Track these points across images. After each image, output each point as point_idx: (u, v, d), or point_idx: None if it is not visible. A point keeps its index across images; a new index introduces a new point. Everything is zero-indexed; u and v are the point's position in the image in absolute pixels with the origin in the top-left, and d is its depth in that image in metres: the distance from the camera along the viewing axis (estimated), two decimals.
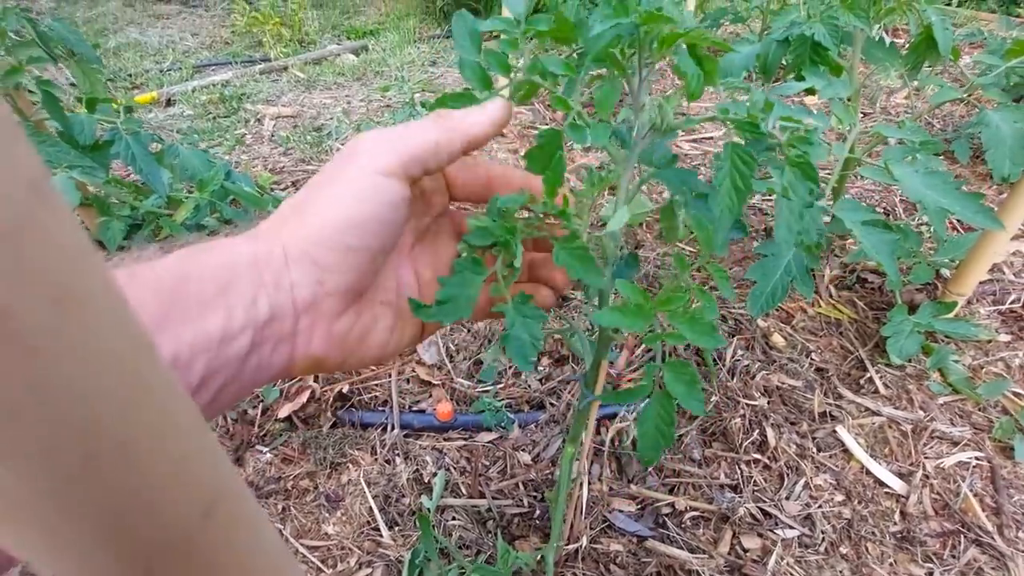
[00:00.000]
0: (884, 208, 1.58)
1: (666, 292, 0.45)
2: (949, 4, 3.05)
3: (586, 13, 0.46)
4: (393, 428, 1.02)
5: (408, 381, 1.11)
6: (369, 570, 0.84)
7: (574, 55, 0.46)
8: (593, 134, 0.45)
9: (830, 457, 0.95)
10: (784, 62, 1.30)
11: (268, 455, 0.99)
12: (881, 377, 1.08)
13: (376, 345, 0.33)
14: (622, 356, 1.14)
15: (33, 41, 1.14)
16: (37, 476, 0.12)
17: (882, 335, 1.11)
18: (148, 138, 1.17)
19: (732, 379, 1.06)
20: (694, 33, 0.38)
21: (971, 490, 0.88)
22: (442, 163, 0.33)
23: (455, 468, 0.97)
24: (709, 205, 0.46)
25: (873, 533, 0.83)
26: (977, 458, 0.93)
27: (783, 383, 1.06)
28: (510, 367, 1.14)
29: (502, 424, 1.03)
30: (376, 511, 0.91)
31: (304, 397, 1.06)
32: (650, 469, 0.97)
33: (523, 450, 1.00)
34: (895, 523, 0.85)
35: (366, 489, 0.93)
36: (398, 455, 0.98)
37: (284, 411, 1.04)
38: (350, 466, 0.98)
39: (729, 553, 0.83)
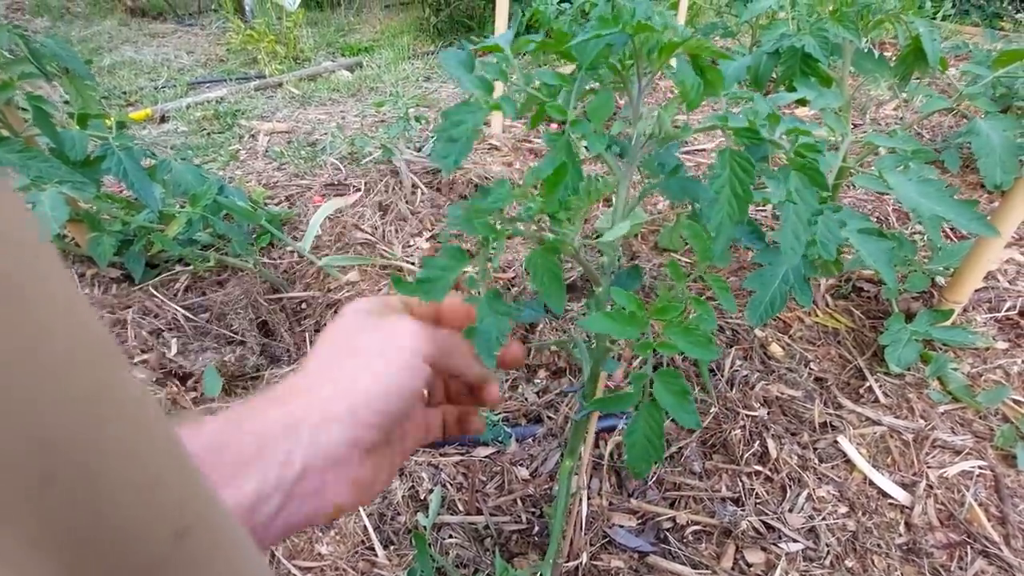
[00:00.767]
0: (877, 217, 1.59)
1: (662, 301, 0.44)
2: (934, 18, 3.10)
3: (579, 28, 0.46)
4: None
5: None
6: None
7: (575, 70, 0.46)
8: (590, 142, 0.45)
9: (832, 468, 0.93)
10: (774, 74, 1.32)
11: None
12: (880, 386, 1.07)
13: (386, 480, 0.37)
14: (620, 368, 1.13)
15: (26, 58, 1.13)
16: None
17: (880, 344, 1.11)
18: (141, 153, 1.16)
19: (731, 390, 1.05)
20: (695, 42, 0.38)
21: (975, 500, 0.87)
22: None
23: (451, 484, 0.95)
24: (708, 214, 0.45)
25: (878, 545, 0.82)
26: (980, 467, 0.92)
27: (783, 393, 1.05)
28: (507, 381, 1.13)
29: (499, 438, 1.01)
30: (371, 530, 0.88)
31: None
32: (650, 482, 0.95)
33: (521, 465, 0.98)
34: (900, 535, 0.84)
35: (360, 508, 0.91)
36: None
37: None
38: None
39: (732, 568, 0.82)
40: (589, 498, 0.92)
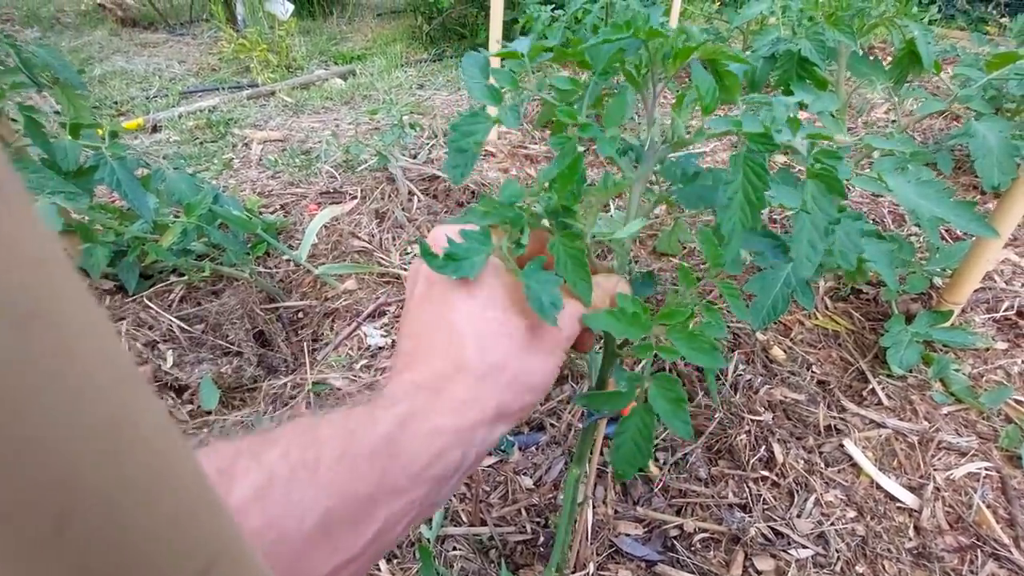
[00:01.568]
0: (873, 219, 1.59)
1: (669, 306, 0.43)
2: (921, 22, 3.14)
3: (589, 34, 0.46)
4: None
5: None
6: None
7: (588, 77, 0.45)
8: (600, 146, 0.44)
9: (839, 472, 0.93)
10: (770, 78, 1.32)
11: None
12: (883, 388, 1.07)
13: None
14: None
15: (16, 67, 1.12)
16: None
17: (881, 346, 1.11)
18: (134, 163, 1.14)
19: (735, 394, 1.04)
20: (711, 48, 0.38)
21: (983, 502, 0.86)
22: None
23: (454, 495, 0.93)
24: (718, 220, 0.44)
25: (889, 550, 0.81)
26: (986, 468, 0.92)
27: (786, 397, 1.05)
28: None
29: (502, 447, 1.00)
30: None
31: None
32: (656, 490, 0.94)
33: (524, 474, 0.97)
34: (910, 539, 0.83)
35: None
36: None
37: None
38: None
39: (742, 575, 0.81)
40: (594, 506, 0.91)
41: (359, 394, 1.12)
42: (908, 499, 0.88)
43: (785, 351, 1.16)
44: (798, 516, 0.87)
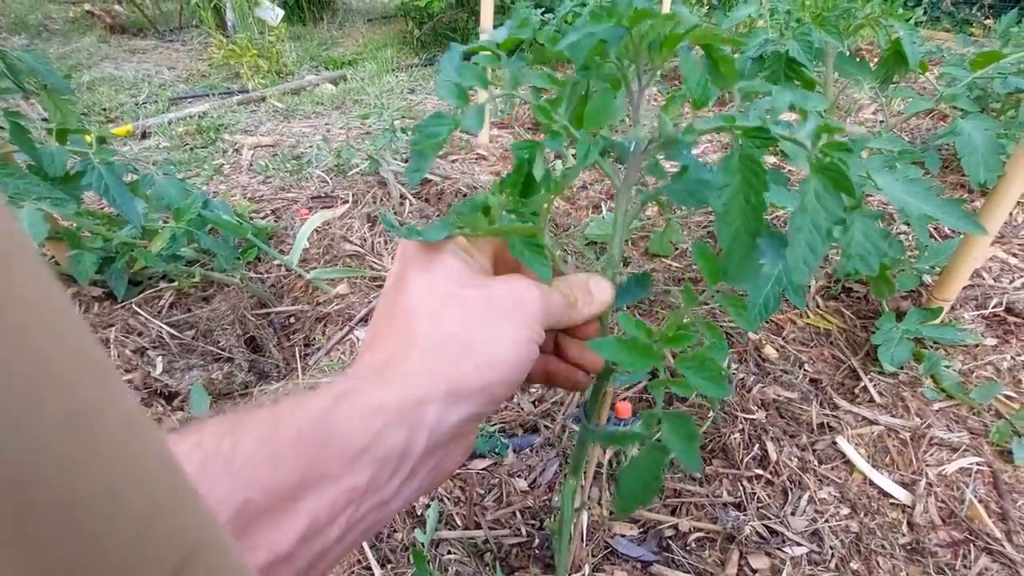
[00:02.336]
0: None
1: (672, 329, 0.42)
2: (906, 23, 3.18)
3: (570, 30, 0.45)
4: None
5: None
6: None
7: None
8: (579, 150, 0.42)
9: (832, 469, 0.93)
10: (759, 79, 1.33)
11: None
12: (875, 385, 1.08)
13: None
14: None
15: (2, 73, 1.11)
16: None
17: (872, 343, 1.11)
18: (122, 168, 1.14)
19: (729, 394, 1.05)
20: (702, 31, 0.36)
21: (975, 497, 0.87)
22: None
23: (448, 499, 0.93)
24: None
25: (882, 546, 0.81)
26: (978, 463, 0.92)
27: (779, 395, 1.05)
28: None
29: (496, 450, 1.00)
30: (366, 548, 0.86)
31: None
32: None
33: (519, 476, 0.97)
34: (903, 535, 0.83)
35: None
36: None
37: None
38: None
39: (737, 574, 0.80)
40: (589, 508, 0.90)
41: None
42: (901, 495, 0.88)
43: (777, 350, 1.16)
44: (792, 514, 0.87)
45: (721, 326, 1.21)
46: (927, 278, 1.26)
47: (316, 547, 0.26)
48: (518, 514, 0.91)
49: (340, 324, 1.27)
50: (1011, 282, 1.31)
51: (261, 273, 1.42)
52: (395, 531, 0.88)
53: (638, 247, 1.49)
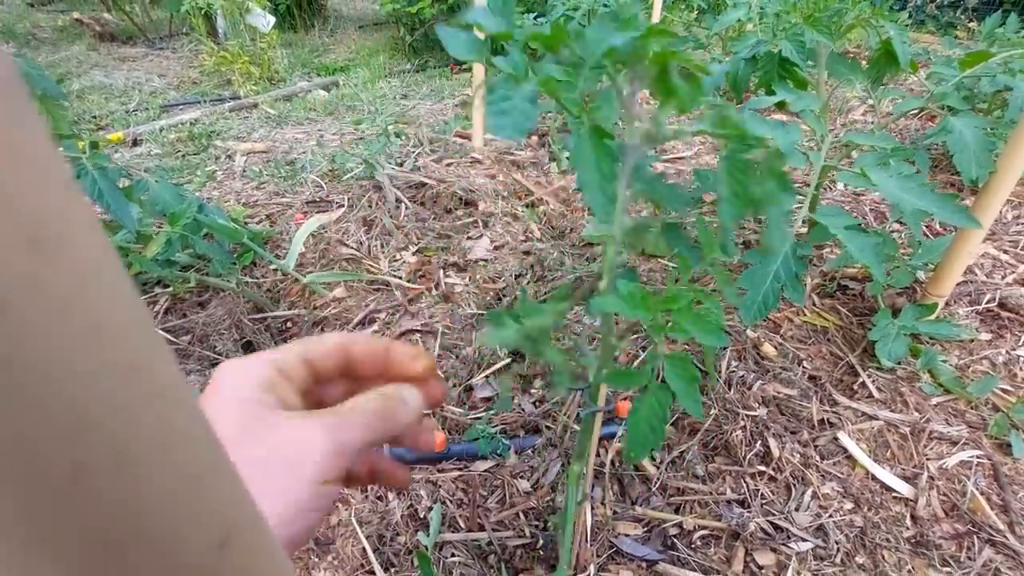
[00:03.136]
0: (855, 216, 1.62)
1: (670, 292, 0.45)
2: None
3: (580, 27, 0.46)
4: None
5: None
6: None
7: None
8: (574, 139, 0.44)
9: (834, 464, 0.93)
10: (752, 80, 1.35)
11: None
12: (873, 381, 1.08)
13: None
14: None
15: None
16: (10, 492, 0.09)
17: (869, 339, 1.12)
18: (116, 173, 1.12)
19: (729, 390, 1.05)
20: (679, 54, 0.39)
21: (977, 489, 0.87)
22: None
23: (451, 501, 0.92)
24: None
25: (887, 540, 0.81)
26: (977, 456, 0.93)
27: (779, 392, 1.05)
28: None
29: (498, 451, 0.99)
30: (370, 552, 0.85)
31: None
32: (654, 488, 0.93)
33: (521, 477, 0.96)
34: (907, 528, 0.83)
35: (358, 529, 0.88)
36: (390, 491, 0.93)
37: None
38: (339, 506, 0.92)
39: (743, 571, 0.80)
40: (592, 507, 0.90)
41: None
42: (903, 489, 0.89)
43: (776, 347, 1.16)
44: (796, 509, 0.87)
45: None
46: (921, 275, 1.27)
47: None
48: (521, 515, 0.90)
49: (338, 328, 1.26)
50: (1003, 278, 1.32)
51: (257, 278, 1.41)
52: (398, 534, 0.87)
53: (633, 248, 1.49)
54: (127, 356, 0.10)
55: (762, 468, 0.93)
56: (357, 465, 0.35)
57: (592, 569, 0.82)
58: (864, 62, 1.27)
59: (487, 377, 1.14)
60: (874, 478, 0.91)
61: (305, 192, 1.77)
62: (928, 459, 0.93)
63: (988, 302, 1.26)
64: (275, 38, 3.23)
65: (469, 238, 1.54)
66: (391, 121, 2.31)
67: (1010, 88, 1.24)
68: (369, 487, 0.94)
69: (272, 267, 1.41)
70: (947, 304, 1.24)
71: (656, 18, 2.30)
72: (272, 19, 3.19)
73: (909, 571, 0.78)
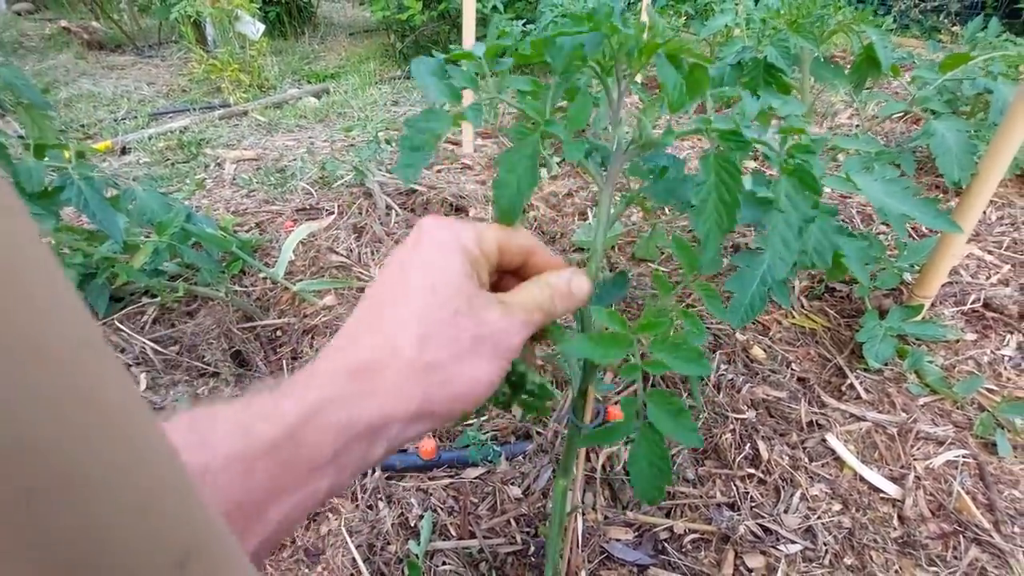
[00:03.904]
0: (843, 219, 1.64)
1: (647, 316, 0.42)
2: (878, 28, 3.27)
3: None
4: (374, 471, 0.97)
5: None
6: None
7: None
8: (566, 151, 0.44)
9: (823, 466, 0.94)
10: (738, 85, 1.36)
11: None
12: (861, 382, 1.09)
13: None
14: (607, 379, 1.12)
15: None
16: None
17: (857, 341, 1.13)
18: (102, 183, 1.12)
19: (719, 394, 1.05)
20: (675, 43, 0.37)
21: (963, 489, 0.88)
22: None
23: (442, 508, 0.92)
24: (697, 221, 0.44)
25: (875, 540, 0.82)
26: (964, 456, 0.93)
27: (768, 395, 1.06)
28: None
29: (488, 458, 0.99)
30: (360, 561, 0.84)
31: None
32: None
33: (512, 483, 0.96)
34: (895, 528, 0.84)
35: (348, 538, 0.87)
36: (381, 499, 0.93)
37: None
38: (329, 515, 0.92)
39: (733, 574, 0.80)
40: (584, 513, 0.90)
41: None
42: (891, 489, 0.89)
43: (765, 350, 1.17)
44: (785, 512, 0.87)
45: (709, 328, 1.22)
46: (907, 276, 1.29)
47: (269, 543, 0.27)
48: (513, 522, 0.90)
49: (328, 336, 1.26)
50: (988, 278, 1.34)
51: (246, 286, 1.40)
52: (389, 543, 0.87)
53: (624, 252, 1.50)
54: (74, 380, 0.10)
55: (751, 471, 0.93)
56: None
57: (583, 574, 0.82)
58: (849, 66, 1.29)
59: None
60: (862, 479, 0.91)
61: (295, 200, 1.76)
62: (915, 459, 0.94)
63: (973, 303, 1.27)
64: (265, 45, 3.23)
65: None
66: (381, 128, 2.31)
67: (990, 91, 1.26)
68: (361, 495, 0.94)
69: (262, 275, 1.41)
70: (933, 305, 1.25)
71: (644, 18, 2.32)
72: (262, 26, 3.19)
73: (896, 571, 0.78)
